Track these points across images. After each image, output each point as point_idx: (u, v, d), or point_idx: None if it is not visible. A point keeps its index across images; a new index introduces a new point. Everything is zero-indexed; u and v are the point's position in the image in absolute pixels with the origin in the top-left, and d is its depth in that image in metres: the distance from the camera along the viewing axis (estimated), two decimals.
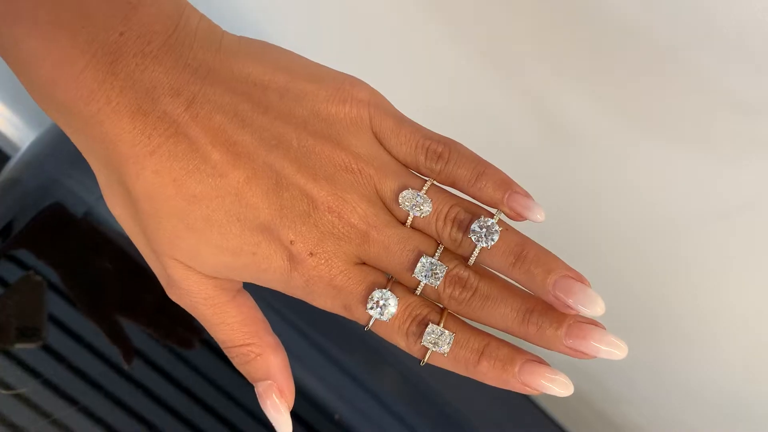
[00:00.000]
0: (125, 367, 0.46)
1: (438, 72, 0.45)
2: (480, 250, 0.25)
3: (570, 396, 0.25)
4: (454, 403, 0.49)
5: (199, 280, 0.26)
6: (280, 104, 0.25)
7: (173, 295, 0.27)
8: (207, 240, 0.25)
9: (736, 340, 0.45)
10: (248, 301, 0.28)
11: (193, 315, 0.28)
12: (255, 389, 0.28)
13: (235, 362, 0.28)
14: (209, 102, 0.24)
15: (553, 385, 0.24)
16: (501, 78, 0.42)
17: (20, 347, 0.45)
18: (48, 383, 0.45)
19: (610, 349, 0.24)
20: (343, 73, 0.27)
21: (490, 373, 0.25)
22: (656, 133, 0.38)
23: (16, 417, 0.44)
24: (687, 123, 0.37)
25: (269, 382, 0.28)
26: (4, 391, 0.44)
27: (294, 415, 0.48)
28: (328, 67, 0.27)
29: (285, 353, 0.29)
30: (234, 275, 0.26)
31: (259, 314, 0.28)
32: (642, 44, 0.34)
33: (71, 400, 0.45)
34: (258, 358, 0.28)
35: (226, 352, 0.28)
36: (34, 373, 0.45)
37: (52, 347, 0.46)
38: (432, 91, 0.46)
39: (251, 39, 0.27)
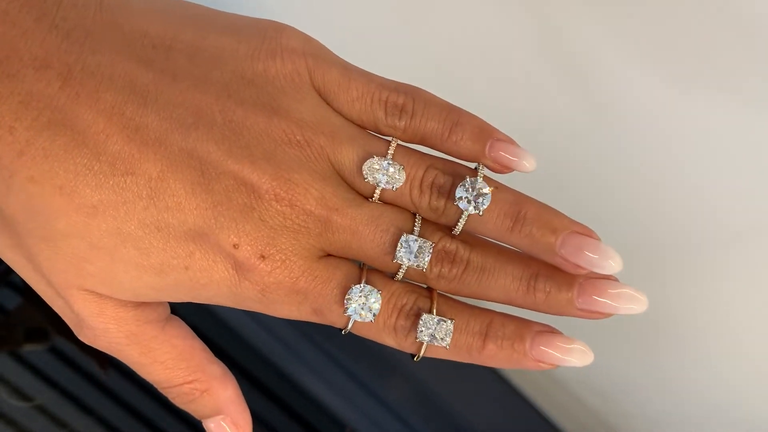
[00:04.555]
0: (102, 374, 0.45)
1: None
2: (469, 217, 0.21)
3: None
4: (467, 414, 0.49)
5: (116, 315, 0.21)
6: (192, 68, 0.20)
7: (86, 338, 0.21)
8: (122, 258, 0.19)
9: (758, 357, 0.44)
10: (181, 330, 0.23)
11: (116, 357, 0.22)
12: (204, 425, 0.24)
13: (177, 402, 0.23)
14: (94, 75, 0.18)
15: (569, 357, 0.21)
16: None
17: (29, 348, 0.45)
18: (54, 384, 0.45)
19: (630, 305, 0.21)
20: (263, 19, 0.22)
21: (498, 356, 0.21)
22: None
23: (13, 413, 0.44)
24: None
25: (220, 417, 0.24)
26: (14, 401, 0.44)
27: (304, 425, 0.47)
28: (244, 16, 0.22)
29: (234, 381, 0.24)
30: (165, 296, 0.21)
31: (197, 342, 0.23)
32: None
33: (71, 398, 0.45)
34: (204, 394, 0.23)
35: (164, 393, 0.23)
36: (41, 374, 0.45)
37: (59, 348, 0.46)
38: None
39: None
